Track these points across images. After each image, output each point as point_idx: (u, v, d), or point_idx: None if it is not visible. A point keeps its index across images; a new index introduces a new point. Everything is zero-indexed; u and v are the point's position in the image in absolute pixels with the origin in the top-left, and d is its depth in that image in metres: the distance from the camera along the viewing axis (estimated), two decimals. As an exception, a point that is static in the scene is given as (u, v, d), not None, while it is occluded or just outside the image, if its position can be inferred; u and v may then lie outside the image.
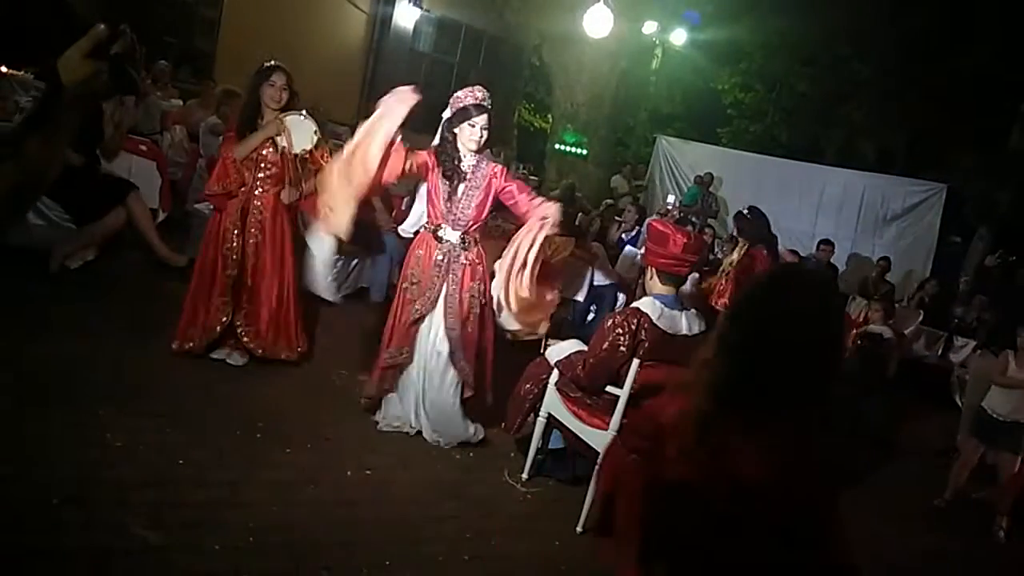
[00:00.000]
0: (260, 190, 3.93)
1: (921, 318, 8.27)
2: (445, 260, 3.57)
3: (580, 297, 5.73)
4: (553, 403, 3.45)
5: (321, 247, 3.44)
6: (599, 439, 3.21)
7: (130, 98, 5.50)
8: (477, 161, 3.55)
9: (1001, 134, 11.37)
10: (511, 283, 3.47)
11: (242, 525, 2.62)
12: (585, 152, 11.50)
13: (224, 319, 3.91)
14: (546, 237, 3.51)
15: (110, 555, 2.32)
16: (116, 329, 4.02)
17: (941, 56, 11.65)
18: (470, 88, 3.53)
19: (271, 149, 3.89)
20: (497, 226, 5.94)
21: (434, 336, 3.60)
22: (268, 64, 3.88)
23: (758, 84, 15.30)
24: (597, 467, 3.18)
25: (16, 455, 2.70)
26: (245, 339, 3.96)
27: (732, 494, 1.34)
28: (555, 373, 3.47)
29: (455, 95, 3.54)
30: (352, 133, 3.53)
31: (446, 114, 3.56)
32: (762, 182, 11.42)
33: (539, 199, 3.62)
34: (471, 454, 3.68)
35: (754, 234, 5.68)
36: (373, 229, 5.73)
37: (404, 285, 3.66)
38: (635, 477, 1.50)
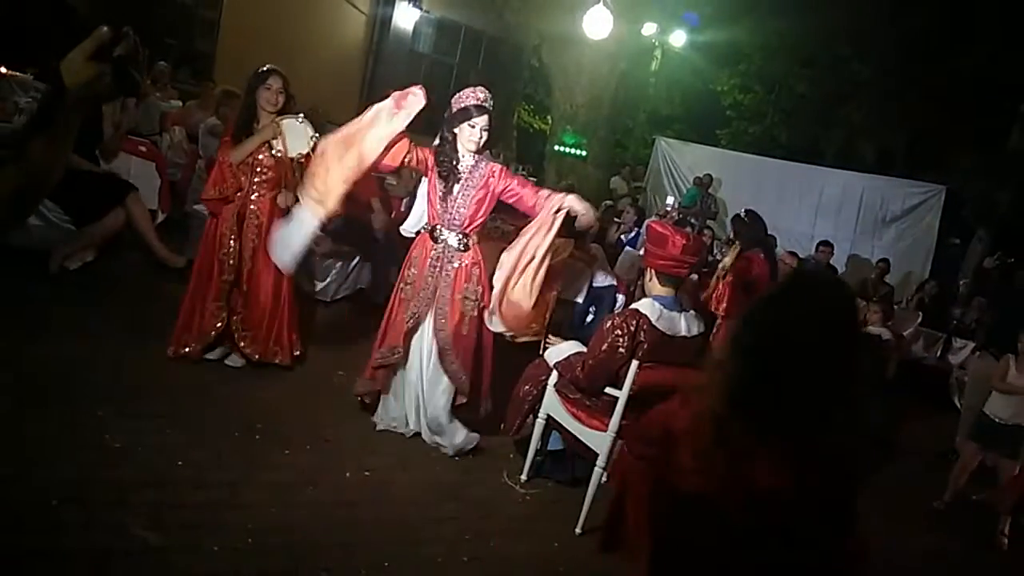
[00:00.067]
0: (257, 195, 3.92)
1: (920, 319, 8.28)
2: (440, 261, 3.56)
3: (579, 299, 5.72)
4: (552, 404, 3.46)
5: (302, 223, 3.37)
6: (598, 440, 3.22)
7: (131, 99, 5.51)
8: (476, 162, 3.54)
9: (1001, 135, 11.38)
10: (511, 282, 3.43)
11: (241, 526, 2.62)
12: (584, 153, 11.49)
13: (219, 324, 3.89)
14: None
15: (110, 556, 2.32)
16: (115, 330, 4.03)
17: (941, 56, 11.66)
18: (472, 88, 3.51)
19: (267, 153, 3.88)
20: (496, 227, 5.94)
21: (428, 338, 3.59)
22: (264, 68, 3.87)
23: (757, 85, 15.31)
24: (597, 468, 3.20)
25: (16, 455, 2.70)
26: (242, 344, 3.95)
27: (749, 504, 1.32)
28: (554, 374, 3.47)
29: (457, 95, 3.53)
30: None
31: (447, 114, 3.54)
32: (761, 183, 11.43)
33: (546, 191, 3.57)
34: (470, 456, 3.68)
35: (750, 237, 5.69)
36: (372, 230, 5.74)
37: (400, 285, 3.66)
38: (643, 485, 1.49)
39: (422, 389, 3.64)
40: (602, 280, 5.83)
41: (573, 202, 3.44)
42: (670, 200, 11.17)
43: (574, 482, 3.56)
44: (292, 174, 3.91)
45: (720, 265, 5.62)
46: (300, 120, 3.88)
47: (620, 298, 5.93)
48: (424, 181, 3.74)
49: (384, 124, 3.32)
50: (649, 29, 12.33)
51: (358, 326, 5.04)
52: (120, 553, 2.35)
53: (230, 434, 3.27)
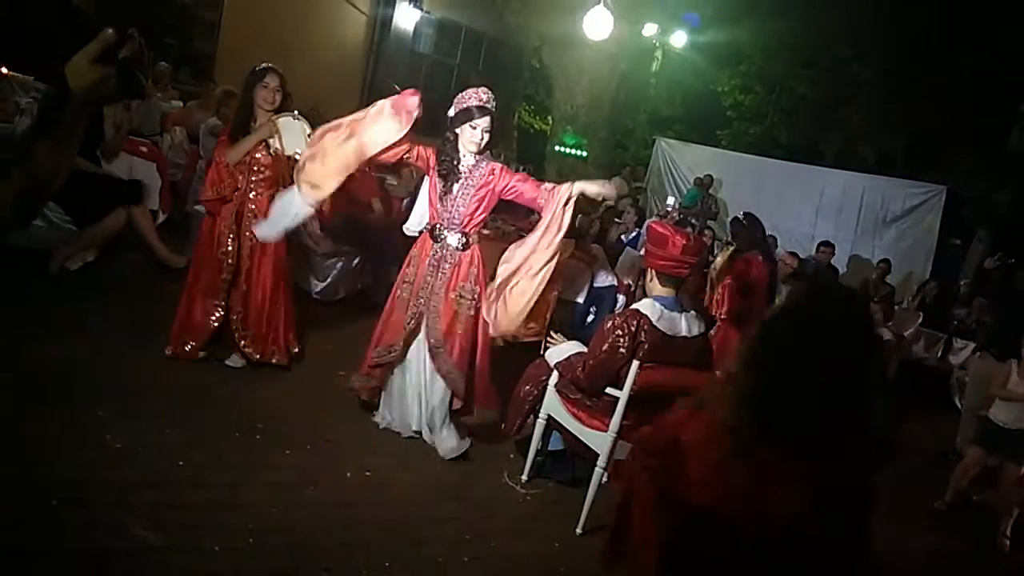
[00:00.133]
0: (254, 193, 3.90)
1: (921, 320, 8.29)
2: (439, 260, 3.55)
3: (580, 299, 5.72)
4: (553, 405, 3.45)
5: (292, 204, 3.37)
6: (599, 441, 3.21)
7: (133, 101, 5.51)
8: (476, 162, 3.53)
9: (1001, 135, 11.38)
10: (514, 278, 3.39)
11: (242, 526, 2.62)
12: (585, 154, 11.51)
13: (215, 319, 3.87)
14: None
15: (110, 556, 2.32)
16: (116, 330, 4.02)
17: (941, 56, 11.65)
18: (475, 89, 3.50)
19: (264, 152, 3.87)
20: (497, 227, 5.94)
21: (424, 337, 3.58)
22: (261, 66, 3.86)
23: (758, 86, 15.30)
24: (598, 468, 3.20)
25: (16, 455, 2.70)
26: (242, 343, 3.94)
27: (762, 517, 1.30)
28: (555, 375, 3.46)
29: (459, 95, 3.52)
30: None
31: (450, 113, 3.53)
32: (762, 184, 11.43)
33: (550, 184, 3.51)
34: (471, 456, 3.67)
35: (748, 240, 5.70)
36: (372, 230, 5.74)
37: (399, 284, 3.66)
38: (649, 495, 1.47)
39: (423, 388, 3.63)
40: (603, 280, 5.83)
41: (584, 186, 3.40)
42: (671, 201, 11.17)
43: (575, 482, 3.55)
44: (289, 172, 3.90)
45: (712, 266, 5.62)
46: (296, 117, 3.87)
47: (620, 298, 5.94)
48: (425, 180, 3.74)
49: (386, 122, 3.32)
50: (650, 30, 12.34)
51: (358, 326, 5.04)
52: (120, 553, 2.35)
53: (230, 434, 3.27)
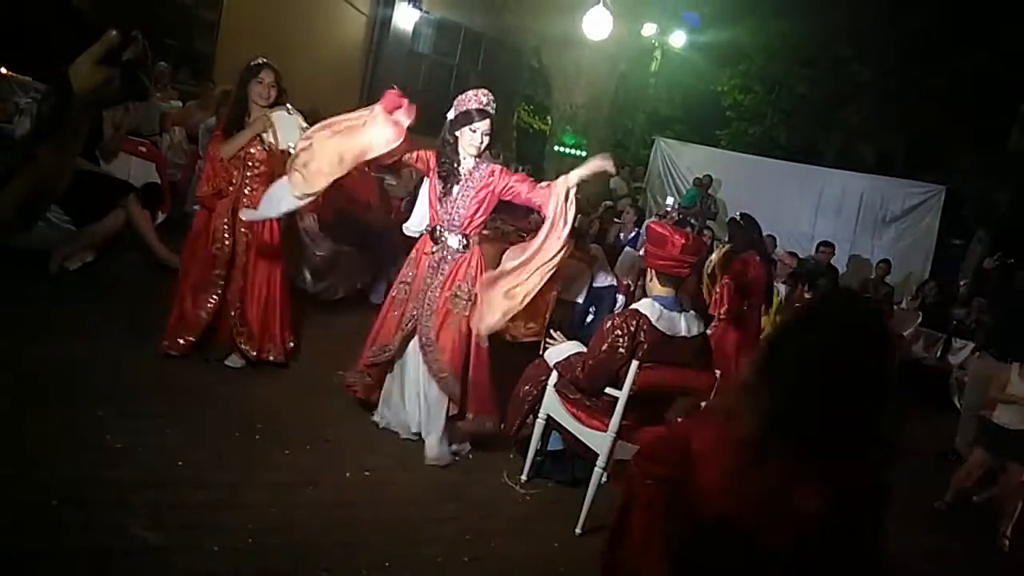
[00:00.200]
0: (249, 188, 3.88)
1: (920, 320, 8.29)
2: (438, 262, 3.55)
3: (579, 299, 5.73)
4: (552, 405, 3.45)
5: (282, 196, 3.36)
6: (598, 441, 3.21)
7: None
8: (476, 164, 3.52)
9: (1001, 135, 11.38)
10: (515, 276, 3.39)
11: (241, 526, 2.62)
12: (584, 154, 11.49)
13: (206, 315, 3.86)
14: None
15: (110, 556, 2.32)
16: (115, 330, 4.02)
17: (941, 56, 11.67)
18: (474, 91, 3.48)
19: (259, 146, 3.85)
20: (497, 228, 5.94)
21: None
22: (256, 61, 3.84)
23: (757, 86, 15.32)
24: (597, 468, 3.20)
25: (16, 455, 2.70)
26: (240, 340, 3.93)
27: (780, 525, 1.30)
28: (554, 375, 3.47)
29: (459, 97, 3.51)
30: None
31: (450, 115, 3.53)
32: (761, 184, 11.43)
33: (545, 182, 3.51)
34: (470, 456, 3.68)
35: (744, 239, 5.70)
36: (371, 230, 5.74)
37: (397, 285, 3.66)
38: (655, 504, 1.46)
39: (422, 389, 3.62)
40: (602, 280, 5.84)
41: (578, 174, 3.40)
42: (670, 200, 11.17)
43: (574, 482, 3.55)
44: (284, 166, 3.89)
45: (707, 261, 5.61)
46: (290, 112, 3.86)
47: (620, 298, 5.95)
48: (425, 181, 3.74)
49: (380, 129, 3.31)
50: (649, 30, 12.35)
51: (358, 326, 5.02)
52: (120, 553, 2.35)
53: (230, 434, 3.27)
